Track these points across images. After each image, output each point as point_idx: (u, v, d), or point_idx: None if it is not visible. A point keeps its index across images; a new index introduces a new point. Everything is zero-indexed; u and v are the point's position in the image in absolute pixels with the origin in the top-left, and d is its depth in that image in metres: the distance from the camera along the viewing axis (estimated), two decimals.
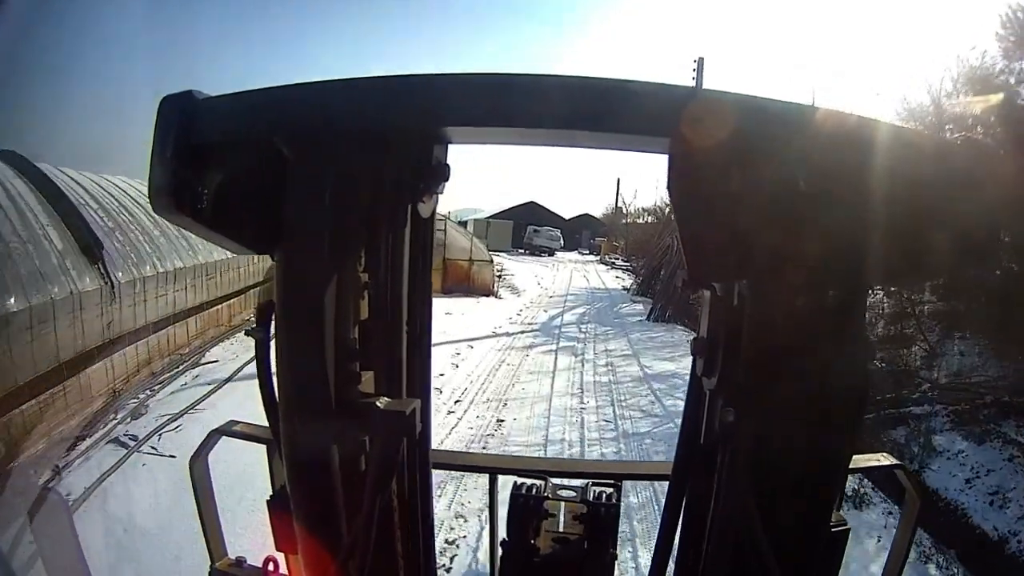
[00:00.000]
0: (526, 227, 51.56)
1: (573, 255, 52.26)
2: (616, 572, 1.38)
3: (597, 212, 64.33)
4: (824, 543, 1.09)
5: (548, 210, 63.05)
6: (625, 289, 25.62)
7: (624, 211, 51.58)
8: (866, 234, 0.92)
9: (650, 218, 45.64)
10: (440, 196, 1.16)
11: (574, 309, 19.15)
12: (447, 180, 1.11)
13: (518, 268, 31.02)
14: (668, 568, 1.30)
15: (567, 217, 64.03)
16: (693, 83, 20.68)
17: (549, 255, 48.38)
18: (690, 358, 1.20)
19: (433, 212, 1.18)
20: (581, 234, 62.01)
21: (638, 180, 65.56)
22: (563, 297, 22.03)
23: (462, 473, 5.32)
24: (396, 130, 0.99)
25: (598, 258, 47.94)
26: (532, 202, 63.06)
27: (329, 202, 0.99)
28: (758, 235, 0.94)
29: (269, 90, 0.97)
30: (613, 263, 41.13)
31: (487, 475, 1.62)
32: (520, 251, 49.24)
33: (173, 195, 0.95)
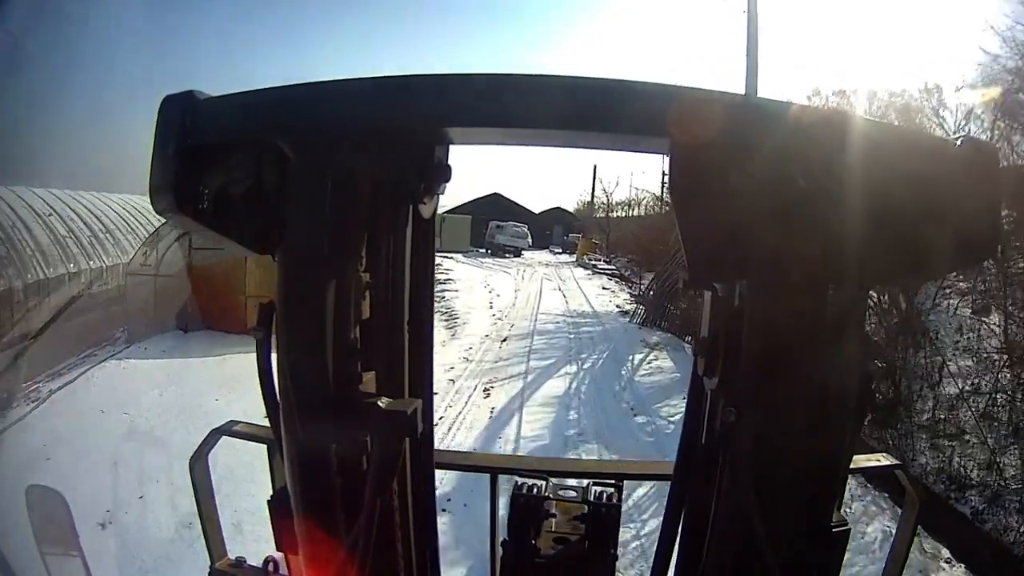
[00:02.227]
0: (487, 223, 42.85)
1: (544, 255, 43.94)
2: (616, 572, 1.37)
3: (570, 205, 56.76)
4: (824, 542, 1.08)
5: (514, 203, 55.16)
6: (623, 313, 17.05)
7: (606, 202, 43.62)
8: (866, 234, 0.92)
9: (638, 210, 38.18)
10: (441, 196, 1.15)
11: (549, 379, 10.04)
12: (448, 180, 1.10)
13: (470, 276, 22.29)
14: (670, 566, 1.32)
15: (537, 211, 55.90)
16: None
17: (515, 256, 40.19)
18: None
19: (434, 212, 1.17)
20: (552, 230, 55.06)
21: (618, 168, 57.36)
22: (527, 336, 13.13)
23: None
24: (397, 130, 1.00)
25: (574, 259, 39.57)
26: (496, 194, 55.03)
27: (330, 202, 0.99)
28: (759, 235, 0.94)
29: (269, 90, 0.99)
30: (594, 266, 32.58)
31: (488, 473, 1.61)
32: (481, 251, 40.96)
33: (174, 194, 0.97)
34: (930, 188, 0.92)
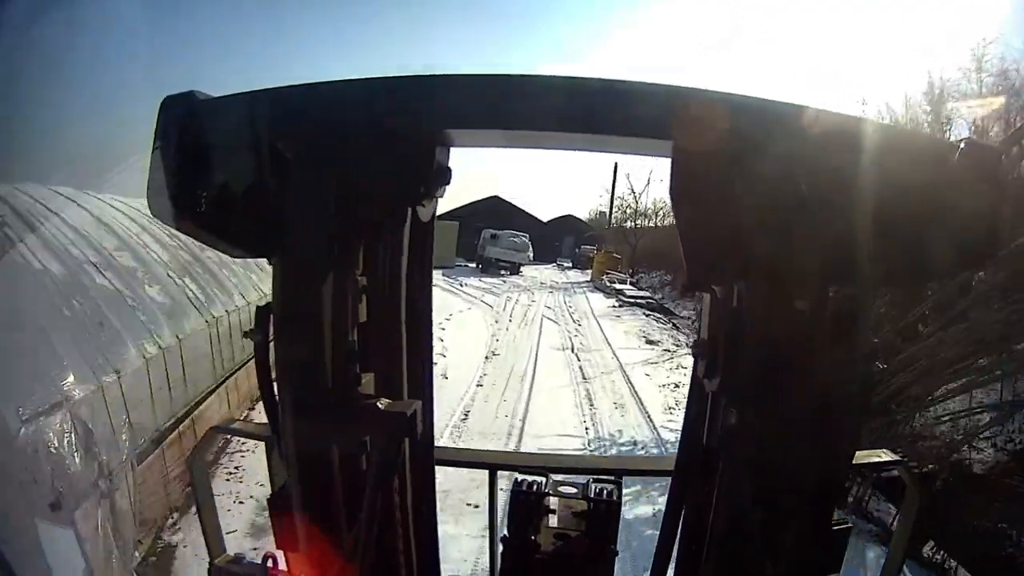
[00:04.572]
0: (480, 231, 33.38)
1: (549, 272, 34.30)
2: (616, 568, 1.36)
3: (583, 214, 48.10)
4: (825, 542, 1.08)
5: (517, 208, 45.96)
6: None
7: (633, 206, 33.91)
8: (867, 236, 0.92)
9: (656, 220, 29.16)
10: (440, 199, 1.14)
11: None
12: (448, 183, 1.09)
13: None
14: (670, 565, 1.32)
15: (545, 219, 46.91)
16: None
17: (511, 273, 30.49)
18: None
19: (433, 215, 1.17)
20: (562, 241, 46.20)
21: (645, 163, 47.51)
22: None
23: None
24: (396, 132, 0.99)
25: (588, 277, 29.96)
26: (495, 197, 46.16)
27: (329, 204, 0.99)
28: (759, 237, 0.94)
29: (270, 91, 0.99)
30: (619, 291, 22.70)
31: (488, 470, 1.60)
32: (471, 265, 32.08)
33: (172, 197, 0.96)
34: (932, 191, 0.92)
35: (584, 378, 9.96)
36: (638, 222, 33.81)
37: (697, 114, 0.88)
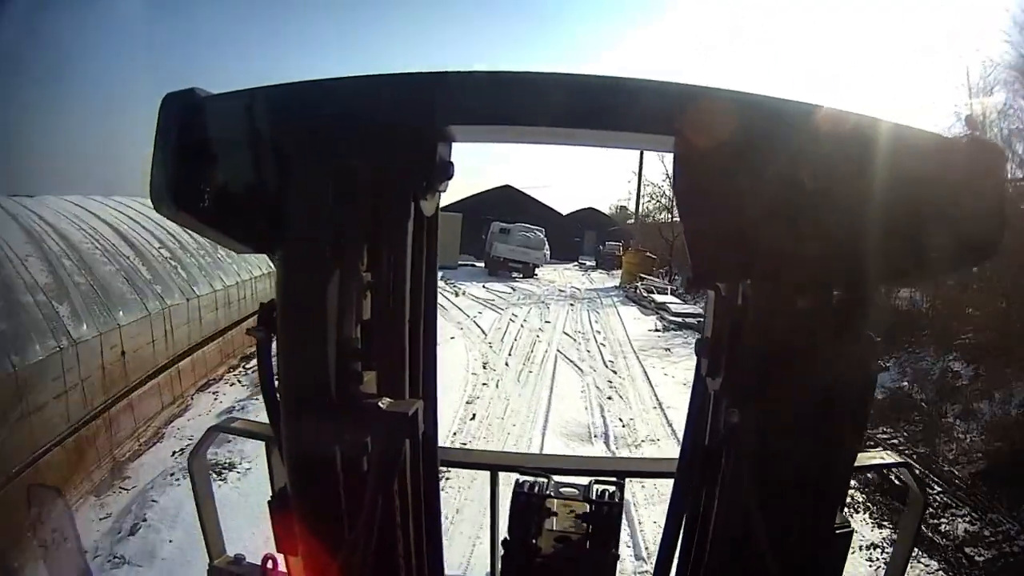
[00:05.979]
0: (488, 224, 28.34)
1: (570, 273, 29.25)
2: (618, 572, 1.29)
3: (603, 206, 42.98)
4: (827, 543, 1.08)
5: (532, 199, 40.95)
6: None
7: (669, 193, 28.34)
8: (870, 233, 0.92)
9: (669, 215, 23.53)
10: (443, 193, 1.14)
11: None
12: (450, 178, 1.09)
13: None
14: (672, 564, 1.31)
15: (564, 212, 41.89)
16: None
17: (524, 276, 25.45)
18: None
19: (436, 210, 1.16)
20: (583, 236, 41.16)
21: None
22: None
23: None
24: (399, 128, 0.99)
25: (617, 284, 24.72)
26: (507, 186, 41.16)
27: (331, 200, 0.99)
28: (763, 234, 0.94)
29: (271, 88, 0.99)
30: (660, 306, 17.26)
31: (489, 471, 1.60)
32: (479, 264, 27.46)
33: (174, 193, 0.96)
34: (934, 187, 0.91)
35: (638, 556, 4.65)
36: (673, 214, 28.22)
37: (700, 110, 0.88)
